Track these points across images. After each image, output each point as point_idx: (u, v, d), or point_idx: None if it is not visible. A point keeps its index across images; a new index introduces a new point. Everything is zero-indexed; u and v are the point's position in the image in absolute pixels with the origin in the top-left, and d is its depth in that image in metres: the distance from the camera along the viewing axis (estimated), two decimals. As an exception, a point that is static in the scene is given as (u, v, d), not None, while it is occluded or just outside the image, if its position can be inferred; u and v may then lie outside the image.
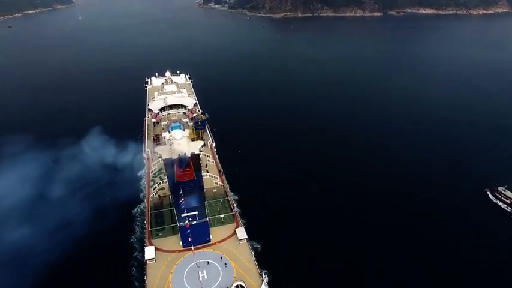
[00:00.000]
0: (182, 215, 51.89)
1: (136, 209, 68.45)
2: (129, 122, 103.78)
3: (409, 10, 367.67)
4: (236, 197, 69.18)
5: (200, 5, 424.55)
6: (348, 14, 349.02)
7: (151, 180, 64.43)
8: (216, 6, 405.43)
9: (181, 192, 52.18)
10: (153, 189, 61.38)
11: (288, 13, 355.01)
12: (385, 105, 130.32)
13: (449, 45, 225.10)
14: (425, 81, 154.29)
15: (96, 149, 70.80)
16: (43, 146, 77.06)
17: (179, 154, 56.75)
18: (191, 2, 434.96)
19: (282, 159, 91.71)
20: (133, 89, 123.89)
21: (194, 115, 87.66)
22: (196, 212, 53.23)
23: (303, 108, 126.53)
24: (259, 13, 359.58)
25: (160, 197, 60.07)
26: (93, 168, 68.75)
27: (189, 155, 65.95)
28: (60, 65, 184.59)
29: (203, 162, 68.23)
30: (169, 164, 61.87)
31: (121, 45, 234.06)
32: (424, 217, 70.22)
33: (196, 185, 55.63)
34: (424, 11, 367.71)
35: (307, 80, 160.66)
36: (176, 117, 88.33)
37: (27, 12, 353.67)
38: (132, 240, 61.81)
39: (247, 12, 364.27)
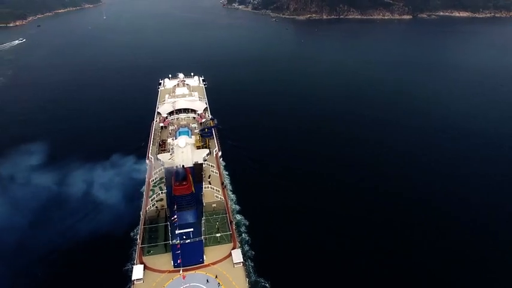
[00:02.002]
0: (176, 232, 48.55)
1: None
2: (140, 126, 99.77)
3: (441, 13, 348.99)
4: (240, 216, 64.66)
5: (224, 5, 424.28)
6: (375, 17, 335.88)
7: (151, 189, 61.47)
8: (240, 6, 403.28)
9: (174, 209, 48.72)
10: (151, 199, 58.30)
11: (313, 15, 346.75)
12: (413, 115, 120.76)
13: (489, 52, 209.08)
14: (459, 91, 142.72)
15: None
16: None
17: (176, 166, 53.49)
18: (215, 2, 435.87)
19: (304, 176, 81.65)
20: (148, 90, 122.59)
21: (203, 120, 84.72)
22: (192, 229, 49.71)
23: (324, 117, 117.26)
24: (283, 15, 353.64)
25: (157, 209, 56.85)
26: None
27: (192, 165, 63.33)
28: (77, 64, 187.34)
29: (206, 173, 64.79)
30: (170, 173, 58.86)
31: (140, 45, 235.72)
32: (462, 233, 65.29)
33: (193, 200, 52.02)
34: (458, 14, 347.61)
35: (331, 86, 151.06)
36: (185, 122, 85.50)
37: (57, 11, 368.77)
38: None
39: (270, 14, 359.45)
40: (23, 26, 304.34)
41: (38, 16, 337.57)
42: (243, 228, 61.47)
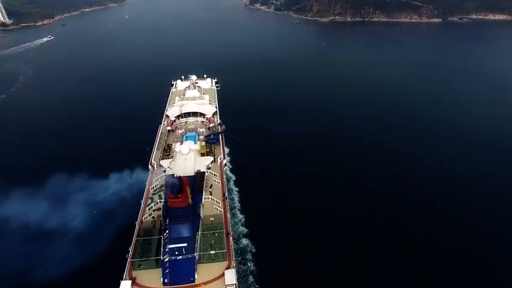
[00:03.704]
0: (169, 247, 45.73)
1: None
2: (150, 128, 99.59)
3: (474, 16, 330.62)
4: (242, 228, 61.66)
5: (246, 5, 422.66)
6: (402, 20, 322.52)
7: (150, 197, 59.07)
8: (262, 7, 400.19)
9: (167, 223, 45.90)
10: (149, 208, 55.90)
11: (337, 17, 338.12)
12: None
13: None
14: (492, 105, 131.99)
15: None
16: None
17: (173, 175, 50.73)
18: (237, 2, 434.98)
19: (317, 191, 78.07)
20: (163, 91, 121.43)
21: (211, 125, 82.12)
22: (185, 245, 46.53)
23: (342, 129, 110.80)
24: (305, 16, 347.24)
25: (154, 219, 54.27)
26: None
27: (193, 174, 60.57)
28: (94, 64, 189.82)
29: (208, 182, 61.65)
30: (169, 182, 56.24)
31: (159, 44, 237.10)
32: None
33: (189, 212, 48.80)
34: (493, 17, 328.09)
35: (352, 96, 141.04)
36: (193, 126, 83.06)
37: (83, 10, 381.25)
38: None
39: (293, 15, 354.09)
40: (50, 25, 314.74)
41: (64, 15, 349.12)
42: (243, 246, 58.38)
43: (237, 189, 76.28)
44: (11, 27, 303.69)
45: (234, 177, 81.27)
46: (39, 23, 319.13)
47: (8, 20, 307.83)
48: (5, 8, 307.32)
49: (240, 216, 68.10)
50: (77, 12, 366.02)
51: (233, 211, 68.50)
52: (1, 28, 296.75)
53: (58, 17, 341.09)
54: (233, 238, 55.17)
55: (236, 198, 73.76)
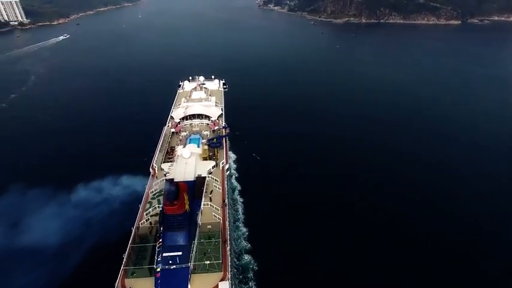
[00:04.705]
0: (162, 255, 44.13)
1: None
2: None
3: (495, 18, 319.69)
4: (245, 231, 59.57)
5: (259, 6, 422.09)
6: (419, 22, 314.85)
7: (149, 202, 57.53)
8: (275, 8, 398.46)
9: (161, 231, 44.30)
10: (147, 213, 54.48)
11: (351, 18, 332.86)
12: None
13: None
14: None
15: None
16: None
17: (171, 181, 49.10)
18: (251, 3, 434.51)
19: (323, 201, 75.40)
20: (171, 91, 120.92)
21: (216, 128, 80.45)
22: (180, 253, 44.73)
23: (352, 138, 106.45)
24: (319, 17, 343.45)
25: (151, 225, 52.60)
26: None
27: (193, 179, 58.95)
28: (102, 65, 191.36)
29: (208, 188, 59.69)
30: (166, 188, 54.69)
31: (169, 44, 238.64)
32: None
33: (185, 220, 46.98)
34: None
35: (365, 101, 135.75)
36: (198, 128, 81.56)
37: (98, 9, 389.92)
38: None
39: (307, 16, 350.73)
40: (65, 24, 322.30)
41: (80, 14, 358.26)
42: (245, 262, 56.40)
43: (241, 200, 73.44)
44: (28, 26, 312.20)
45: (239, 187, 78.09)
46: (55, 22, 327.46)
47: (25, 19, 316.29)
48: (23, 8, 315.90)
49: (244, 229, 65.14)
50: (92, 12, 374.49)
51: (236, 223, 66.08)
52: (19, 27, 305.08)
53: (74, 16, 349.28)
54: (235, 253, 53.41)
55: (240, 210, 70.82)
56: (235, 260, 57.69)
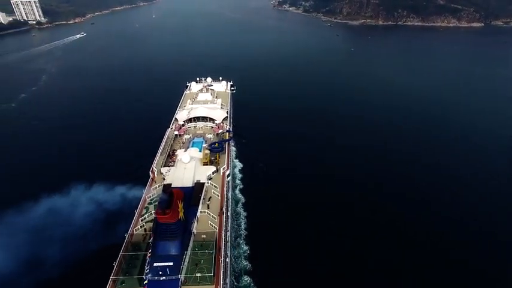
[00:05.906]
0: (154, 264, 42.16)
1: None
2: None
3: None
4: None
5: (274, 6, 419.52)
6: (438, 24, 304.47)
7: (145, 207, 55.62)
8: (290, 8, 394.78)
9: (150, 240, 42.34)
10: (142, 219, 52.62)
11: (368, 20, 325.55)
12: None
13: None
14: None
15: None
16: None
17: (167, 188, 47.03)
18: (266, 3, 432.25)
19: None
20: (179, 93, 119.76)
21: (220, 131, 78.31)
22: (171, 264, 42.57)
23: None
24: (335, 19, 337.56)
25: (145, 231, 50.66)
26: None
27: (192, 185, 56.86)
28: (113, 65, 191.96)
29: (207, 194, 57.28)
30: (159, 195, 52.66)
31: (181, 44, 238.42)
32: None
33: (179, 229, 44.84)
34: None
35: (380, 110, 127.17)
36: (202, 131, 79.60)
37: (114, 9, 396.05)
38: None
39: (322, 17, 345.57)
40: (81, 23, 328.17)
41: (96, 13, 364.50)
42: (244, 285, 53.72)
43: (245, 214, 69.55)
44: (45, 25, 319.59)
45: (243, 199, 73.82)
46: (71, 21, 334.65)
47: (43, 18, 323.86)
48: (42, 7, 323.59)
49: (245, 247, 61.53)
50: (107, 11, 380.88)
51: (238, 240, 63.18)
52: (36, 27, 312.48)
53: (89, 15, 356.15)
54: (234, 272, 50.85)
55: (243, 225, 67.09)
56: (235, 282, 55.27)
